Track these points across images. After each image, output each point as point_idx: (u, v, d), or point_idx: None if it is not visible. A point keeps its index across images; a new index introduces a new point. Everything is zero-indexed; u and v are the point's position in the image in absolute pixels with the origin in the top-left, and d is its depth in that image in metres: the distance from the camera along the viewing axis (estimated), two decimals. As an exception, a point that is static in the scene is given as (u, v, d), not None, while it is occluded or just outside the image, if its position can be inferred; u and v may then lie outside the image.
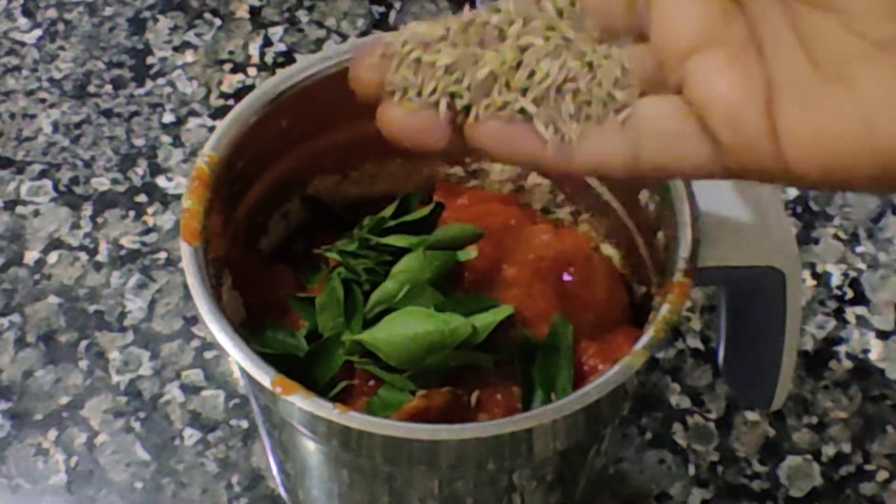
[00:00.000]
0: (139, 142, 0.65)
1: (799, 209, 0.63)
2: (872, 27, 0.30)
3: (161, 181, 0.64)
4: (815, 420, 0.56)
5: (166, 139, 0.65)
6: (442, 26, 0.34)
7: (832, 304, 0.60)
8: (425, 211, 0.47)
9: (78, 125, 0.66)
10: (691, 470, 0.55)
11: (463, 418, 0.43)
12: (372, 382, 0.43)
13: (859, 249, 0.62)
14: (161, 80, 0.68)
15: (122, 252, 0.61)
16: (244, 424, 0.56)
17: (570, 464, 0.45)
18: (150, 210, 0.63)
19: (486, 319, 0.43)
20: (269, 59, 0.69)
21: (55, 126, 0.66)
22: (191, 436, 0.56)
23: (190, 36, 0.69)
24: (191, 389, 0.57)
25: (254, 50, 0.69)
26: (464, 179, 0.50)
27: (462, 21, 0.34)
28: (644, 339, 0.40)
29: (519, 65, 0.33)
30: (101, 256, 0.61)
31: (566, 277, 0.47)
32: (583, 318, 0.46)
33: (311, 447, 0.44)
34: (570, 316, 0.46)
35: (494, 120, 0.33)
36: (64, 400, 0.57)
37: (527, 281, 0.46)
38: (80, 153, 0.65)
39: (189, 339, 0.59)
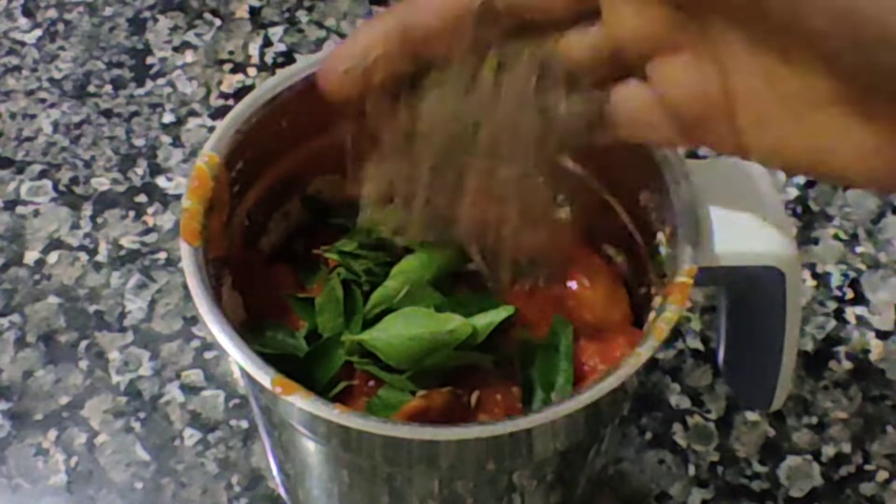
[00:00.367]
0: (139, 142, 0.65)
1: (799, 209, 0.63)
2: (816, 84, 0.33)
3: (161, 181, 0.64)
4: (815, 420, 0.56)
5: (166, 139, 0.65)
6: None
7: (832, 305, 0.60)
8: None
9: (78, 125, 0.66)
10: (691, 470, 0.55)
11: (463, 418, 0.43)
12: (372, 383, 0.43)
13: (859, 250, 0.62)
14: (161, 81, 0.68)
15: (122, 252, 0.61)
16: (244, 424, 0.56)
17: (570, 464, 0.45)
18: (150, 210, 0.63)
19: (486, 320, 0.43)
20: (269, 59, 0.69)
21: (55, 126, 0.66)
22: (191, 436, 0.56)
23: (190, 36, 0.69)
24: (191, 389, 0.57)
25: (254, 50, 0.69)
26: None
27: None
28: (644, 340, 0.40)
29: None
30: (101, 256, 0.61)
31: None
32: (583, 318, 0.46)
33: (311, 447, 0.44)
34: (570, 316, 0.46)
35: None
36: (64, 400, 0.57)
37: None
38: (80, 153, 0.65)
39: (189, 339, 0.59)
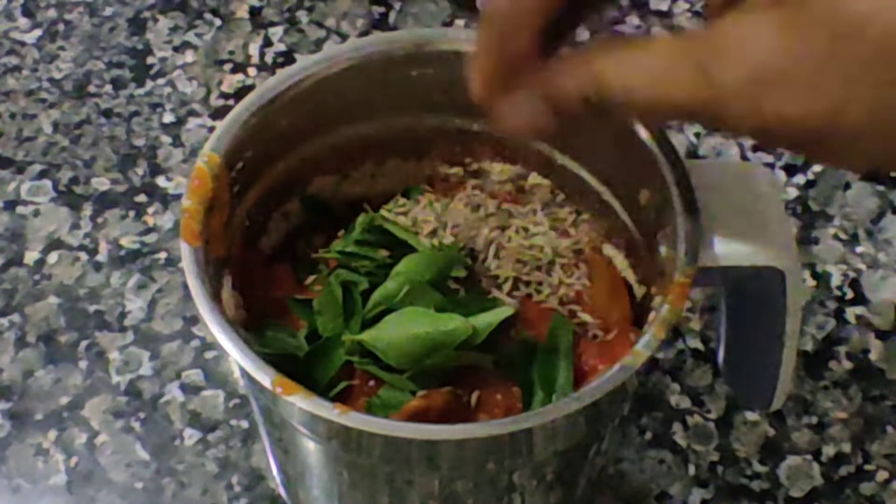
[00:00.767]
0: (139, 142, 0.65)
1: (799, 209, 0.63)
2: None
3: (161, 181, 0.64)
4: (815, 420, 0.56)
5: (166, 139, 0.65)
6: None
7: (832, 305, 0.60)
8: None
9: (78, 125, 0.66)
10: (691, 470, 0.55)
11: (463, 418, 0.43)
12: (372, 383, 0.43)
13: (859, 249, 0.62)
14: (161, 81, 0.68)
15: (122, 252, 0.61)
16: (244, 424, 0.56)
17: (570, 464, 0.45)
18: (150, 210, 0.63)
19: (486, 320, 0.43)
20: (269, 59, 0.69)
21: (55, 126, 0.66)
22: (191, 436, 0.56)
23: (190, 36, 0.69)
24: (191, 389, 0.57)
25: (254, 50, 0.69)
26: (464, 179, 0.50)
27: None
28: (644, 340, 0.40)
29: None
30: (101, 256, 0.61)
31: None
32: (583, 318, 0.46)
33: (311, 447, 0.44)
34: (570, 316, 0.46)
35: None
36: (64, 400, 0.57)
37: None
38: (80, 153, 0.65)
39: (189, 339, 0.59)
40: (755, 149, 0.65)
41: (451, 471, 0.42)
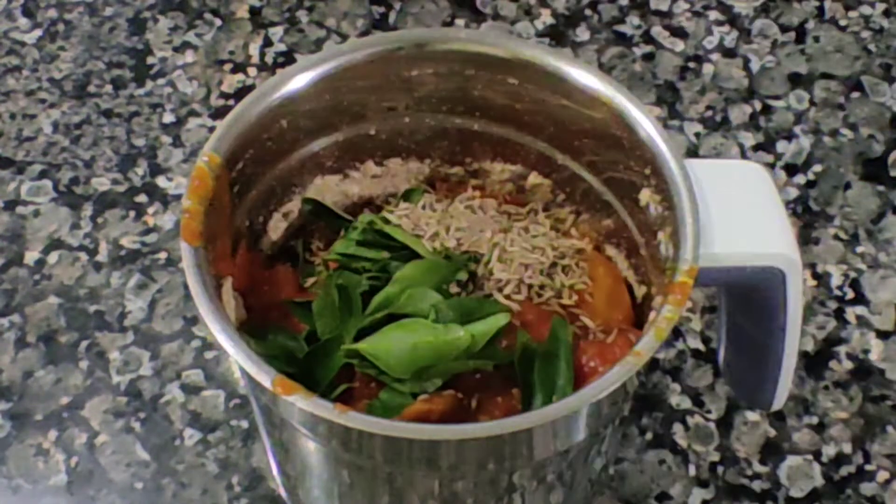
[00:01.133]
0: (139, 142, 0.65)
1: (799, 209, 0.63)
2: None
3: (161, 181, 0.64)
4: (815, 420, 0.56)
5: (166, 139, 0.65)
6: None
7: (832, 305, 0.60)
8: None
9: (78, 125, 0.66)
10: (692, 470, 0.55)
11: (464, 422, 0.43)
12: (373, 385, 0.43)
13: (859, 250, 0.62)
14: (161, 81, 0.68)
15: (123, 252, 0.61)
16: (244, 425, 0.56)
17: (570, 464, 0.45)
18: (150, 210, 0.63)
19: (484, 328, 0.43)
20: (269, 59, 0.69)
21: (55, 126, 0.66)
22: (191, 436, 0.56)
23: (190, 36, 0.69)
24: (191, 389, 0.57)
25: (254, 50, 0.69)
26: (464, 179, 0.50)
27: None
28: (644, 340, 0.40)
29: None
30: (102, 256, 0.61)
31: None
32: (583, 318, 0.46)
33: (311, 447, 0.44)
34: (570, 317, 0.46)
35: None
36: (64, 400, 0.57)
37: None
38: (81, 153, 0.65)
39: (189, 340, 0.58)
40: (755, 149, 0.65)
41: (451, 471, 0.42)
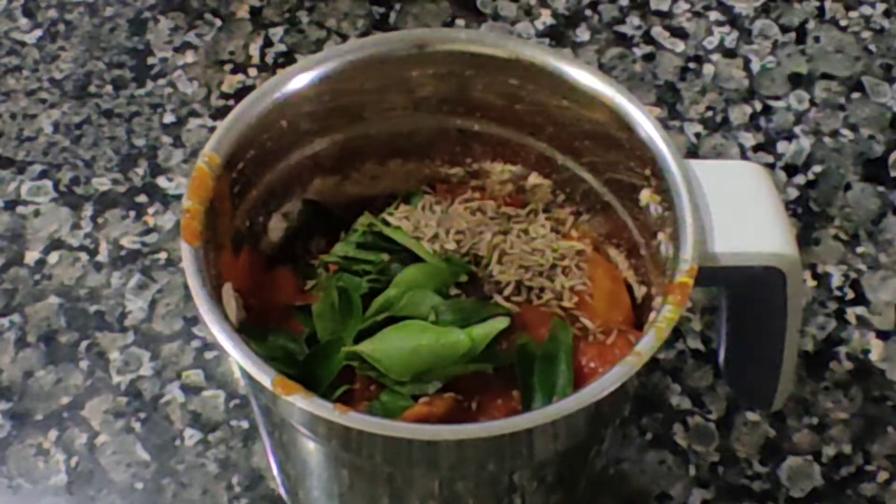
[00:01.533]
0: (140, 142, 0.65)
1: (799, 209, 0.63)
2: None
3: (161, 181, 0.64)
4: (815, 421, 0.56)
5: (167, 139, 0.65)
6: None
7: (832, 305, 0.60)
8: None
9: (78, 125, 0.66)
10: (692, 470, 0.55)
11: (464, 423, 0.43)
12: (373, 387, 0.43)
13: (860, 250, 0.62)
14: (161, 81, 0.68)
15: (123, 252, 0.61)
16: (244, 425, 0.56)
17: (570, 464, 0.45)
18: (150, 210, 0.63)
19: (483, 331, 0.43)
20: (269, 59, 0.69)
21: (56, 126, 0.66)
22: (191, 436, 0.56)
23: (190, 36, 0.69)
24: (191, 390, 0.57)
25: (254, 50, 0.69)
26: (464, 180, 0.50)
27: None
28: (644, 340, 0.40)
29: None
30: (102, 257, 0.61)
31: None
32: (583, 319, 0.46)
33: (311, 448, 0.44)
34: (570, 317, 0.46)
35: None
36: (64, 400, 0.57)
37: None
38: (81, 153, 0.65)
39: (189, 340, 0.59)
40: (755, 149, 0.65)
41: (451, 471, 0.42)
